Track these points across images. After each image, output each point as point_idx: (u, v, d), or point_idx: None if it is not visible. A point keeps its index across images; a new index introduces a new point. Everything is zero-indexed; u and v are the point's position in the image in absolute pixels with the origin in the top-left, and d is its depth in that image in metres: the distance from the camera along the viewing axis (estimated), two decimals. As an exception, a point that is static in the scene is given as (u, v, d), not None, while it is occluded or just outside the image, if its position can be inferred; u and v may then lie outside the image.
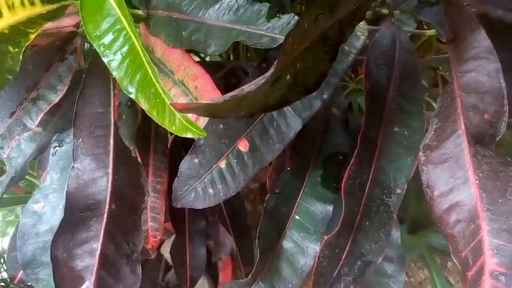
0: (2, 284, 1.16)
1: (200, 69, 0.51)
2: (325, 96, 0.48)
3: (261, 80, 0.31)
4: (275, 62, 0.30)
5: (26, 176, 1.06)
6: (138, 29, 0.62)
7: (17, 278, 0.71)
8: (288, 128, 0.48)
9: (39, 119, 0.57)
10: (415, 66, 0.50)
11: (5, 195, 1.16)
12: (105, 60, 0.40)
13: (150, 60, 0.37)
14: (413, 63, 0.50)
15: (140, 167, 0.46)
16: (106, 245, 0.40)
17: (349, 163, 0.41)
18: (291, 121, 0.47)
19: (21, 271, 0.70)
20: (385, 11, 0.59)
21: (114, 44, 0.41)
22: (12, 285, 0.75)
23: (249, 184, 1.21)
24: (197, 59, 0.85)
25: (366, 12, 0.58)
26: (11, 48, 0.45)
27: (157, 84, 0.36)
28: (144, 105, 0.37)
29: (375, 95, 0.45)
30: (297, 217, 0.51)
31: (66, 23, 0.64)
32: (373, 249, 0.43)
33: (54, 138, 0.61)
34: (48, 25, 0.56)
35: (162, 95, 0.35)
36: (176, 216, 0.77)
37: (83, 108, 0.45)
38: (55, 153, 0.59)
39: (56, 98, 0.58)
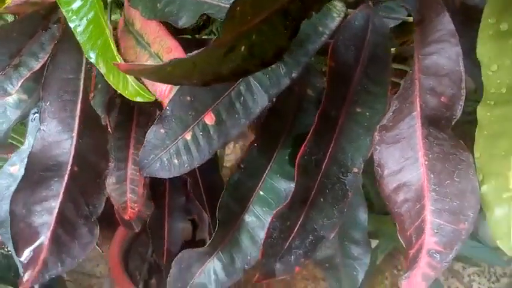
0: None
1: (174, 42, 0.52)
2: (293, 74, 0.49)
3: (208, 46, 0.32)
4: (221, 30, 0.31)
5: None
6: (122, 4, 0.63)
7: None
8: (254, 104, 0.48)
9: (19, 85, 0.59)
10: (386, 49, 0.50)
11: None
12: (71, 25, 0.41)
13: (108, 26, 0.38)
14: (384, 46, 0.50)
15: (108, 135, 0.48)
16: (65, 204, 0.42)
17: (307, 139, 0.42)
18: (258, 97, 0.48)
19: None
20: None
21: (81, 10, 0.42)
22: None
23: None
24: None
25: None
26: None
27: (113, 48, 0.36)
28: (102, 69, 0.38)
29: (340, 75, 0.46)
30: (261, 193, 0.52)
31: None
32: (326, 225, 0.44)
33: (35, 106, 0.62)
34: (33, -7, 0.57)
35: (117, 58, 0.36)
36: (156, 190, 0.78)
37: (53, 72, 0.46)
38: (34, 119, 0.60)
39: (37, 65, 0.59)
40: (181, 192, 0.81)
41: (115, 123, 0.73)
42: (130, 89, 0.36)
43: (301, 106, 0.57)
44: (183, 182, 0.80)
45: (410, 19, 0.65)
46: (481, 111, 0.36)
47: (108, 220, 0.75)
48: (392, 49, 0.75)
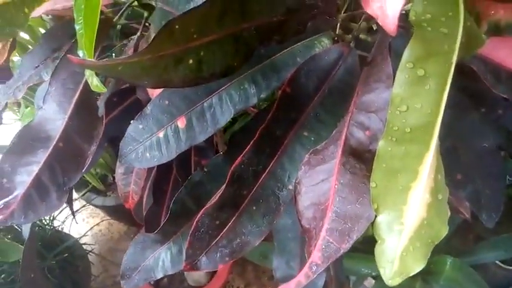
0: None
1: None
2: (262, 95, 0.54)
3: (140, 52, 0.38)
4: (153, 39, 0.38)
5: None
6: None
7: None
8: (221, 116, 0.54)
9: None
10: (352, 88, 0.53)
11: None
12: (76, 27, 0.50)
13: (93, 31, 0.46)
14: (351, 84, 0.54)
15: (99, 124, 0.56)
16: (43, 171, 0.51)
17: (245, 151, 0.47)
18: (225, 110, 0.54)
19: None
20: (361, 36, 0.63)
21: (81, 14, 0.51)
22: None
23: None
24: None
25: (343, 35, 0.63)
26: (26, 10, 0.58)
27: (90, 46, 0.45)
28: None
29: (294, 101, 0.50)
30: (218, 197, 0.57)
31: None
32: (254, 231, 0.48)
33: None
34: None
35: (91, 54, 0.45)
36: (159, 186, 0.86)
37: (64, 64, 0.56)
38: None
39: (70, 61, 0.71)
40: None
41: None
42: (94, 81, 0.44)
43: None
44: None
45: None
46: (383, 145, 0.38)
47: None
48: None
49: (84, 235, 1.56)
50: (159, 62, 0.40)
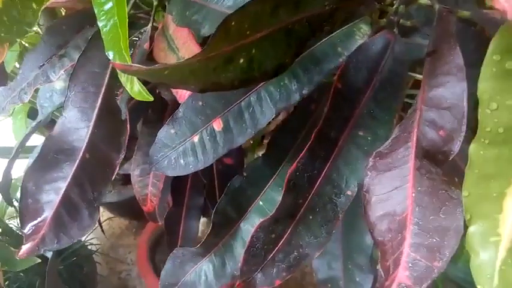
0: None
1: (198, 49, 0.55)
2: (304, 91, 0.50)
3: (198, 55, 0.33)
4: (211, 38, 0.33)
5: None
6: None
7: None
8: (262, 116, 0.50)
9: (60, 73, 0.64)
10: (402, 78, 0.49)
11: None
12: (99, 24, 0.45)
13: (126, 27, 0.41)
14: (401, 74, 0.49)
15: (124, 128, 0.51)
16: (71, 187, 0.45)
17: (300, 156, 0.43)
18: (266, 109, 0.49)
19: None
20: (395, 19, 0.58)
21: (111, 11, 0.45)
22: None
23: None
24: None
25: (377, 19, 0.58)
26: (34, 5, 0.52)
27: (125, 52, 0.39)
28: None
29: (347, 97, 0.46)
30: (260, 203, 0.53)
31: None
32: (312, 243, 0.44)
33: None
34: (86, -8, 0.62)
35: (127, 58, 0.39)
36: (177, 187, 0.82)
37: (82, 65, 0.50)
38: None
39: (78, 58, 0.65)
40: (201, 193, 0.83)
41: (147, 119, 0.78)
42: (135, 89, 0.39)
43: (315, 124, 0.57)
44: (204, 183, 0.83)
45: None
46: (474, 149, 0.34)
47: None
48: (420, 76, 0.74)
49: (88, 235, 1.50)
50: (209, 64, 0.36)
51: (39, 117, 0.75)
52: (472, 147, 0.35)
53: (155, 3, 0.70)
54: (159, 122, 0.77)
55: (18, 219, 1.34)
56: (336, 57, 0.51)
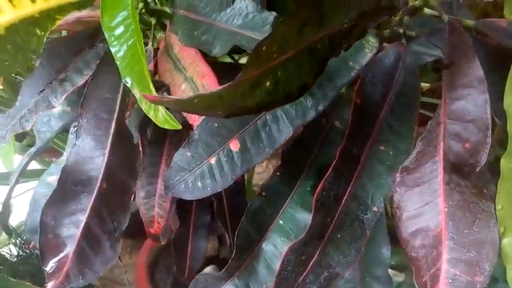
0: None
1: (207, 68, 0.54)
2: (320, 107, 0.50)
3: (232, 82, 0.33)
4: (245, 65, 0.32)
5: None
6: (166, 26, 0.66)
7: (31, 243, 0.77)
8: (279, 134, 0.49)
9: (62, 99, 0.62)
10: (416, 89, 0.50)
11: (41, 167, 1.25)
12: (112, 49, 0.44)
13: (145, 55, 0.40)
14: (414, 85, 0.50)
15: (138, 153, 0.50)
16: (91, 219, 0.44)
17: (326, 175, 0.42)
18: (283, 128, 0.49)
19: (36, 236, 0.76)
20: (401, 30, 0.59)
21: (123, 36, 0.44)
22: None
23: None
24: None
25: (380, 31, 0.59)
26: (38, 31, 0.50)
27: (147, 78, 0.38)
28: (136, 94, 0.40)
29: (365, 112, 0.46)
30: (280, 222, 0.52)
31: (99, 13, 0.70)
32: (342, 262, 0.43)
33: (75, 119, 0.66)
34: (84, 13, 0.61)
35: (150, 87, 0.38)
36: (183, 206, 0.80)
37: (93, 91, 0.49)
38: (73, 132, 0.64)
39: (80, 81, 0.63)
40: (207, 211, 0.82)
41: (149, 139, 0.77)
42: (160, 116, 0.38)
43: (327, 138, 0.57)
44: (209, 201, 0.82)
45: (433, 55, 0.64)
46: (505, 163, 0.35)
47: (139, 228, 0.78)
48: (427, 85, 0.75)
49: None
50: (237, 89, 0.35)
51: (38, 143, 0.73)
52: (503, 161, 0.35)
53: (153, 22, 0.69)
54: (162, 143, 0.76)
55: (10, 246, 1.30)
56: (348, 72, 0.51)
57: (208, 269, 1.30)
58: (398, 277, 1.24)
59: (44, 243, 0.42)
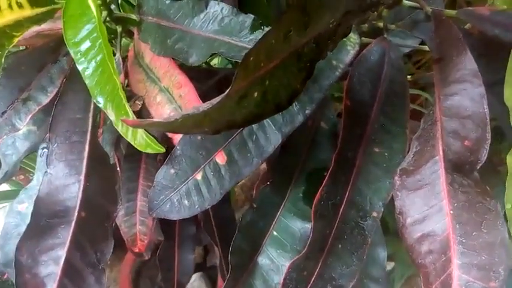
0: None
1: (184, 78, 0.51)
2: (307, 111, 0.47)
3: (220, 97, 0.30)
4: (233, 79, 0.29)
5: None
6: (133, 33, 0.62)
7: (5, 275, 0.72)
8: (267, 142, 0.47)
9: (27, 120, 0.58)
10: (403, 85, 0.48)
11: (10, 188, 1.18)
12: (79, 67, 0.40)
13: (116, 71, 0.36)
14: (401, 81, 0.48)
15: (116, 174, 0.46)
16: (72, 253, 0.40)
17: (322, 184, 0.40)
18: (271, 135, 0.46)
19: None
20: (380, 24, 0.57)
21: (90, 52, 0.41)
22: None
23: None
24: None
25: (359, 26, 0.57)
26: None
27: (122, 97, 0.35)
28: (111, 116, 0.36)
29: (356, 114, 0.44)
30: (274, 233, 0.50)
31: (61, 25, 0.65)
32: (345, 273, 0.41)
33: (43, 139, 0.61)
34: (44, 26, 0.56)
35: (126, 108, 0.35)
36: (166, 220, 0.77)
37: (61, 113, 0.45)
38: (42, 155, 0.59)
39: (45, 100, 0.58)
40: (192, 222, 0.79)
41: (125, 153, 0.72)
42: (140, 140, 0.34)
43: (314, 140, 0.55)
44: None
45: (424, 47, 0.63)
46: (511, 160, 0.33)
47: (120, 240, 0.74)
48: (408, 76, 0.73)
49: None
50: (224, 104, 0.32)
51: (5, 168, 0.68)
52: (509, 158, 0.34)
53: (119, 29, 0.65)
54: (139, 155, 0.72)
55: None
56: (332, 72, 0.48)
57: (195, 277, 1.27)
58: (388, 265, 1.24)
59: (22, 285, 0.38)
